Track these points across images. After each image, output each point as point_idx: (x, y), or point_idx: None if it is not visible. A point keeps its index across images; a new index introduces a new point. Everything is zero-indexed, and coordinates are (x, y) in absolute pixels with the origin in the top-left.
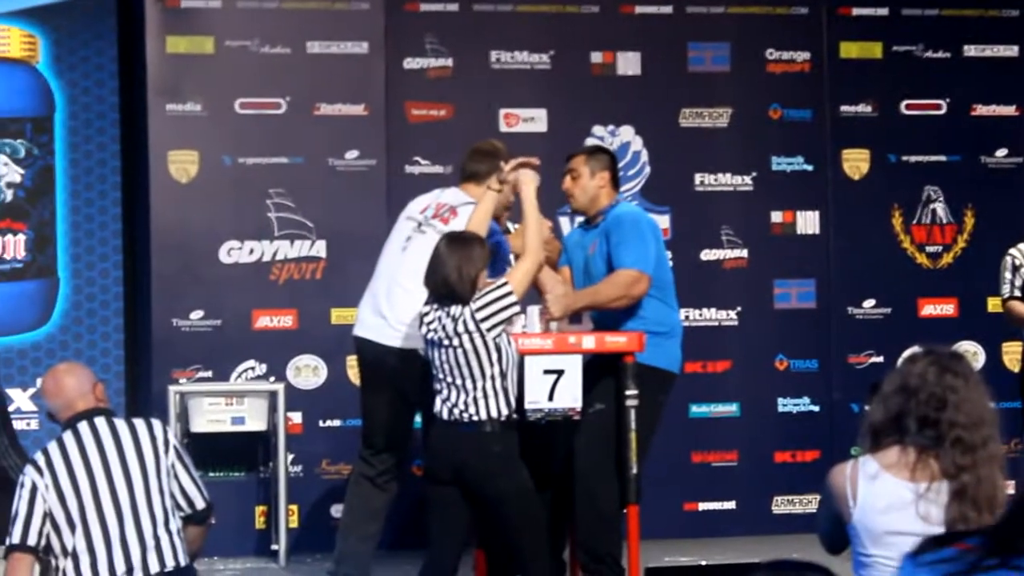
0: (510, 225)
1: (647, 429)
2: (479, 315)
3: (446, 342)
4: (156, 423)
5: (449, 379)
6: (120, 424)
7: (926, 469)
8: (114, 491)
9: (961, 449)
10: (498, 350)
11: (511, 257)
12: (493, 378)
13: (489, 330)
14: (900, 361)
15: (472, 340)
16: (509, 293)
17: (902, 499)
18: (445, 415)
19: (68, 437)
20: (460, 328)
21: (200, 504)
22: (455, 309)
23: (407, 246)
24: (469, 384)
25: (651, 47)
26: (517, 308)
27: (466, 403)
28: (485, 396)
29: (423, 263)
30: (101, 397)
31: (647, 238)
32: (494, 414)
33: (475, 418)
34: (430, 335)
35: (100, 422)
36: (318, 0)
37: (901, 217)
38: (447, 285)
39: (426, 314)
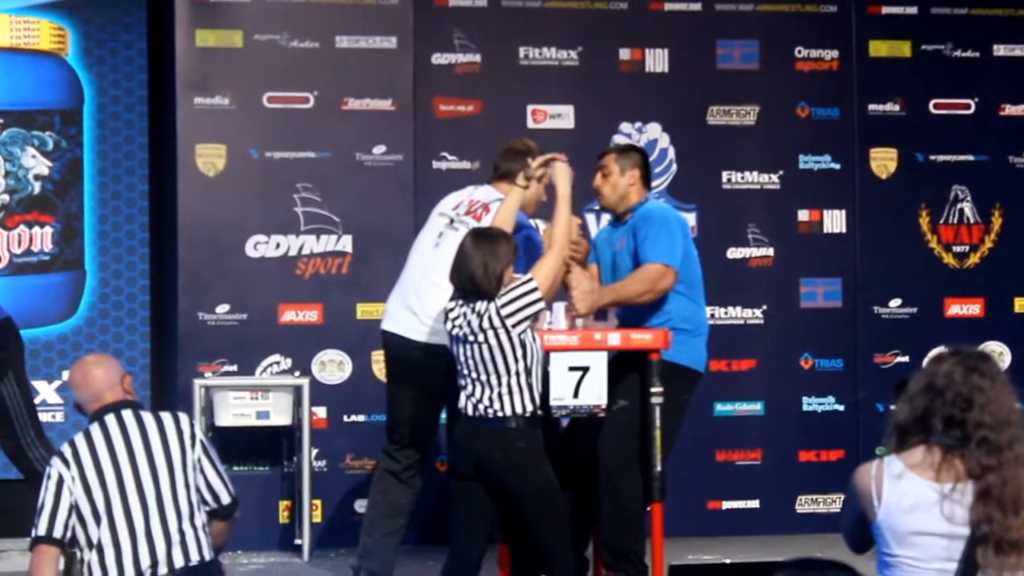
0: (540, 223)
1: (672, 427)
2: (504, 311)
3: (471, 338)
4: (183, 417)
5: (474, 375)
6: (147, 417)
7: (951, 469)
8: (140, 484)
9: (987, 449)
10: (523, 346)
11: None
12: (518, 374)
13: (514, 326)
14: (926, 360)
15: (497, 336)
16: (534, 289)
17: (927, 499)
18: (470, 411)
19: (95, 429)
20: (485, 324)
21: (226, 499)
22: (480, 305)
23: (439, 242)
24: (494, 380)
25: (679, 44)
26: (542, 304)
27: (491, 399)
28: (510, 392)
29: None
30: (129, 390)
31: (675, 233)
32: (519, 410)
33: (499, 414)
34: (455, 331)
35: (127, 415)
36: None
37: (928, 216)
38: (473, 281)
39: (451, 310)
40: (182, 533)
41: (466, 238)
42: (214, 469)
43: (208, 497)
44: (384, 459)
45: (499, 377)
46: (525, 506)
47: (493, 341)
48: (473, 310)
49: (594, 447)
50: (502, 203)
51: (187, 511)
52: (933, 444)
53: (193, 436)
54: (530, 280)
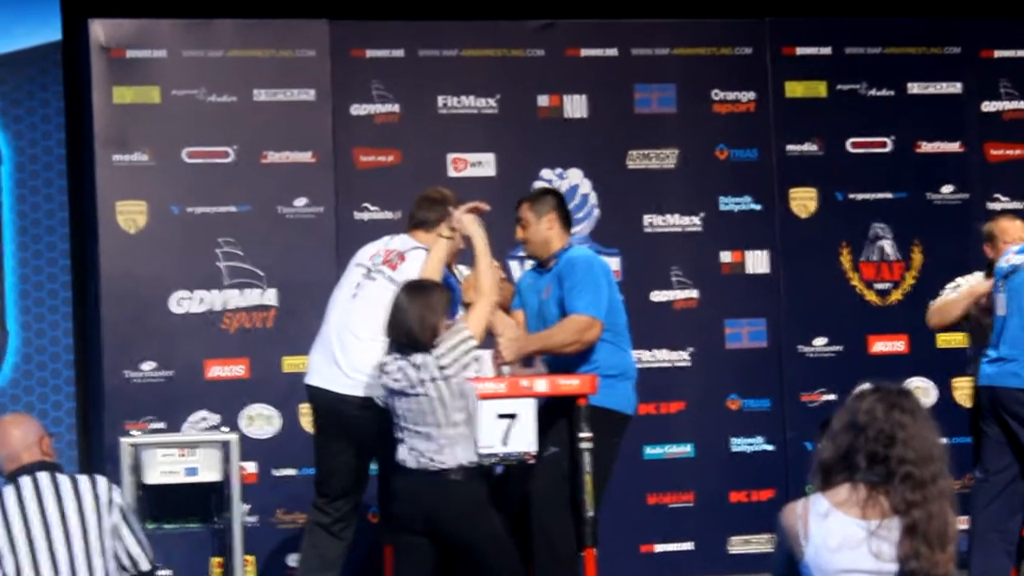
0: (463, 269)
1: (603, 471)
2: (442, 361)
3: (411, 391)
4: (101, 481)
5: (413, 427)
6: (63, 480)
7: (877, 506)
8: (52, 549)
9: (911, 485)
10: (463, 395)
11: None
12: (457, 424)
13: (453, 376)
14: (848, 398)
15: (438, 387)
16: (469, 337)
17: (854, 537)
18: (412, 463)
19: (8, 492)
20: (425, 375)
21: (145, 565)
22: (417, 358)
23: (357, 293)
24: (435, 432)
25: (597, 90)
26: (478, 352)
27: (433, 451)
28: (452, 443)
29: (374, 310)
30: (47, 451)
31: (600, 283)
32: (463, 460)
33: (444, 465)
34: (393, 384)
35: (43, 477)
36: (264, 48)
37: (850, 255)
38: (410, 335)
39: (386, 364)
40: None
41: (400, 292)
42: (132, 535)
43: (126, 563)
44: (314, 512)
45: (440, 428)
46: (476, 556)
47: (433, 393)
48: (411, 363)
49: (525, 494)
50: (429, 254)
51: None
52: (858, 481)
53: (110, 501)
54: (463, 329)
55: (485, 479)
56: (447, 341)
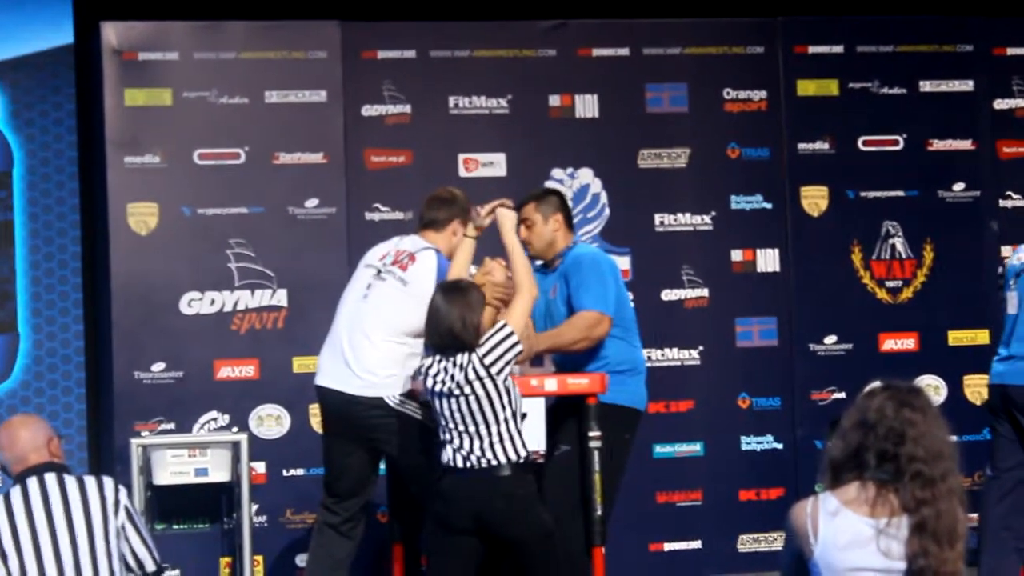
0: (472, 268)
1: (616, 468)
2: (487, 360)
3: (456, 391)
4: (108, 482)
5: (461, 427)
6: (70, 482)
7: (886, 504)
8: (58, 552)
9: (920, 483)
10: (508, 393)
11: None
12: (506, 421)
13: (498, 373)
14: (859, 396)
15: (484, 386)
16: (511, 334)
17: (863, 535)
18: (460, 463)
19: (15, 493)
20: (471, 376)
21: (151, 567)
22: (461, 358)
23: (368, 294)
24: (483, 430)
25: (609, 89)
26: (520, 347)
27: (482, 449)
28: (501, 440)
29: (384, 311)
30: (56, 452)
31: (607, 279)
32: (512, 457)
33: (492, 462)
34: (436, 387)
35: (50, 479)
36: (275, 50)
37: (860, 253)
38: (452, 335)
39: (429, 366)
40: None
41: (436, 295)
42: (139, 536)
43: (132, 564)
44: (323, 512)
45: (488, 427)
46: (529, 551)
47: (480, 392)
48: (454, 363)
49: None
50: (455, 256)
51: None
52: (867, 479)
53: (117, 502)
54: (504, 326)
55: (533, 474)
56: (490, 339)
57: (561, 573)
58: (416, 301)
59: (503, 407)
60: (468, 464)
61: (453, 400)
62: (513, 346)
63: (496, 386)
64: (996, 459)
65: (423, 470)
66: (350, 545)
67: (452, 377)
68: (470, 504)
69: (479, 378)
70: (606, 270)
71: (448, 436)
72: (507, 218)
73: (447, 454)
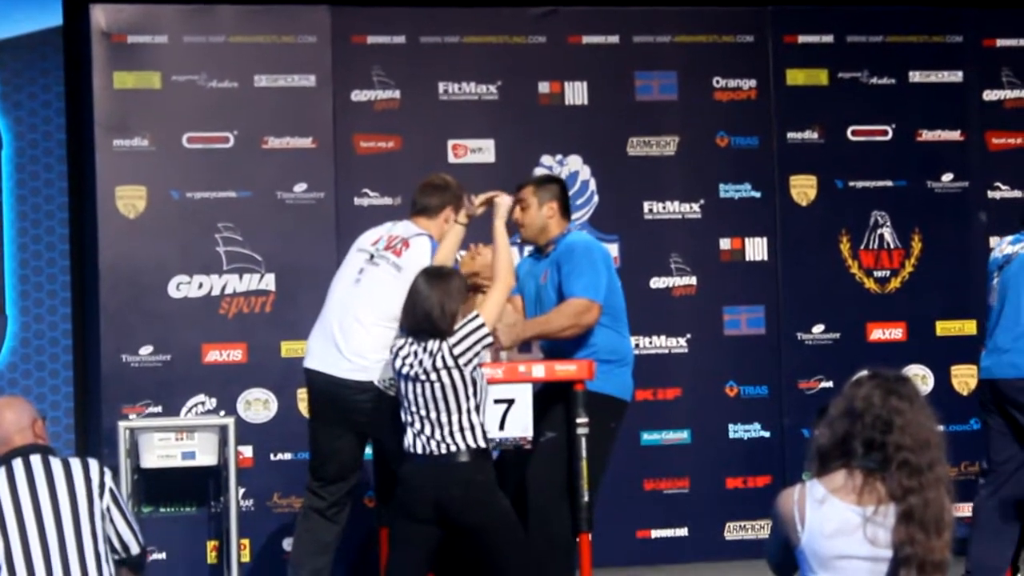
0: (461, 255)
1: (600, 457)
2: (456, 350)
3: (423, 377)
4: (93, 464)
5: (423, 412)
6: (56, 464)
7: (873, 492)
8: (43, 533)
9: (907, 472)
10: (474, 384)
11: None
12: (469, 411)
13: (466, 364)
14: (846, 385)
15: (451, 375)
16: (482, 325)
17: (850, 523)
18: (419, 449)
19: (1, 474)
20: (439, 363)
21: (135, 549)
22: (432, 344)
23: (360, 278)
24: (445, 418)
25: (598, 76)
26: (490, 339)
27: (443, 436)
28: (462, 429)
29: (377, 295)
30: (40, 434)
31: (598, 267)
32: (472, 445)
33: (452, 449)
34: (405, 369)
35: (35, 460)
36: (265, 34)
37: (849, 242)
38: (429, 320)
39: (400, 347)
40: None
41: (419, 278)
42: (123, 518)
43: (117, 546)
44: (309, 496)
45: (450, 415)
46: (489, 539)
47: (446, 380)
48: (425, 349)
49: (521, 480)
50: (443, 241)
51: (92, 562)
52: (854, 468)
53: (102, 484)
54: (477, 317)
55: (492, 462)
56: (462, 329)
57: (523, 560)
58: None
59: (467, 398)
60: (427, 450)
61: (419, 385)
62: (483, 338)
63: (463, 376)
64: (990, 452)
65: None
66: (336, 529)
67: (421, 362)
68: (428, 491)
69: (447, 367)
70: (598, 258)
71: (410, 420)
72: (501, 206)
73: (408, 438)
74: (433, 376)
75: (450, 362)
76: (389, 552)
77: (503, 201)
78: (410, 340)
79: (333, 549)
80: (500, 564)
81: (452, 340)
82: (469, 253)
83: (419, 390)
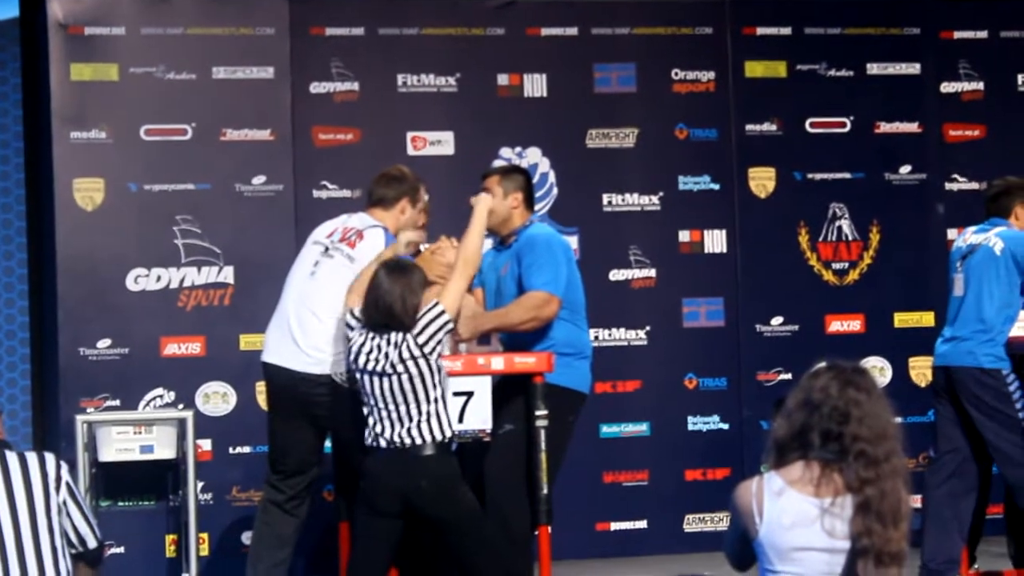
0: (422, 246)
1: (557, 449)
2: (420, 339)
3: (389, 370)
4: (49, 458)
5: (391, 407)
6: (11, 458)
7: (830, 484)
8: None
9: (864, 463)
10: (440, 371)
11: None
12: (436, 401)
13: (431, 352)
14: (803, 377)
15: (417, 365)
16: (443, 312)
17: (807, 514)
18: (384, 443)
19: None
20: (405, 354)
21: (92, 543)
22: (395, 336)
23: (315, 271)
24: (412, 410)
25: (557, 68)
26: (452, 325)
27: (407, 429)
28: (428, 419)
29: (332, 288)
30: None
31: (559, 260)
32: (438, 437)
33: (417, 442)
34: (369, 365)
35: None
36: (223, 26)
37: (807, 234)
38: (390, 314)
39: (361, 343)
40: None
41: (380, 271)
42: (80, 512)
43: (74, 540)
44: (268, 490)
45: (418, 406)
46: (454, 532)
47: (414, 370)
48: (388, 342)
49: (480, 472)
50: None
51: (49, 557)
52: (812, 459)
53: (58, 478)
54: (436, 304)
55: (455, 454)
56: (423, 318)
57: (490, 552)
58: None
59: (434, 386)
60: (393, 445)
61: (385, 379)
62: (444, 325)
63: (429, 365)
64: (939, 441)
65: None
66: (295, 523)
67: (387, 355)
68: (393, 484)
69: (412, 357)
70: (559, 252)
71: (374, 414)
72: (482, 200)
73: (372, 433)
74: (400, 368)
75: (416, 352)
76: (352, 546)
77: (485, 196)
78: (371, 335)
79: (293, 543)
80: (465, 557)
81: (415, 330)
82: (431, 247)
83: (384, 384)
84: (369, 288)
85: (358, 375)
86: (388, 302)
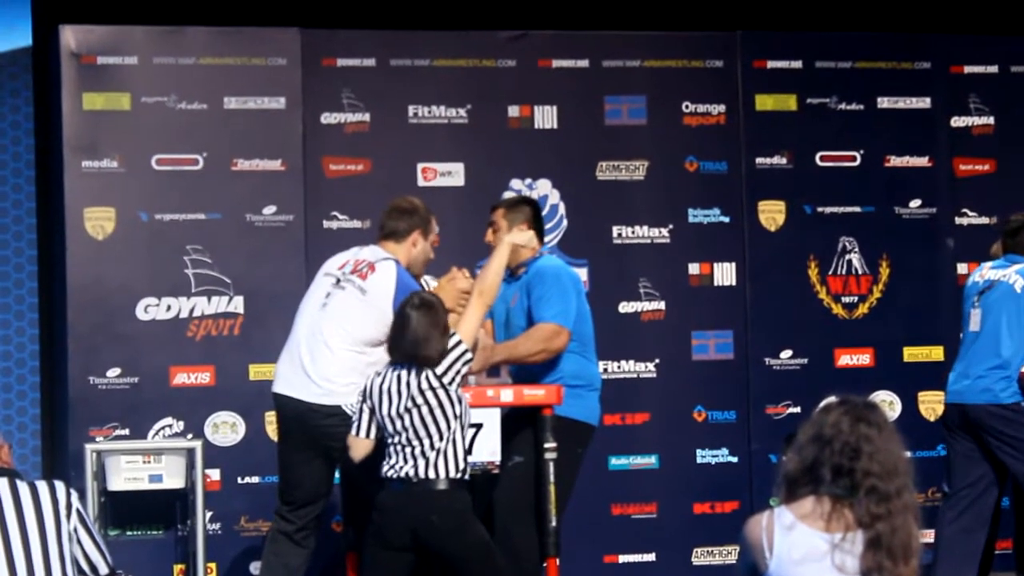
0: (430, 280)
1: (566, 481)
2: (439, 369)
3: (409, 405)
4: (60, 486)
5: (407, 440)
6: (22, 487)
7: (841, 519)
8: (11, 556)
9: (875, 498)
10: (460, 402)
11: None
12: (454, 433)
13: (450, 383)
14: (815, 411)
15: (437, 396)
16: (460, 343)
17: (818, 549)
18: (397, 475)
19: None
20: (424, 386)
21: (103, 570)
22: (416, 371)
23: (327, 302)
24: (428, 443)
25: (568, 100)
26: (470, 356)
27: (424, 464)
28: (444, 454)
29: (343, 319)
30: (6, 459)
31: (568, 292)
32: (451, 472)
33: (432, 476)
34: (392, 399)
35: (2, 484)
36: (235, 56)
37: (817, 268)
38: (417, 351)
39: (382, 380)
40: None
41: (407, 307)
42: (91, 539)
43: (86, 568)
44: (277, 520)
45: (433, 440)
46: (465, 565)
47: (433, 402)
48: (409, 374)
49: (488, 504)
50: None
51: None
52: (822, 494)
53: (69, 506)
54: (454, 334)
55: (468, 489)
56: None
57: None
58: (375, 311)
59: (455, 416)
60: (406, 477)
61: (407, 414)
62: (463, 355)
63: (448, 396)
64: (952, 477)
65: (376, 480)
66: (304, 554)
67: (408, 387)
68: (406, 518)
69: (432, 388)
70: (568, 284)
71: (391, 447)
72: (508, 235)
73: (386, 465)
74: (420, 400)
75: (435, 383)
76: None
77: (516, 235)
78: (391, 370)
79: (301, 573)
80: None
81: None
82: (445, 278)
83: (407, 420)
84: (395, 324)
85: (378, 411)
86: (415, 338)
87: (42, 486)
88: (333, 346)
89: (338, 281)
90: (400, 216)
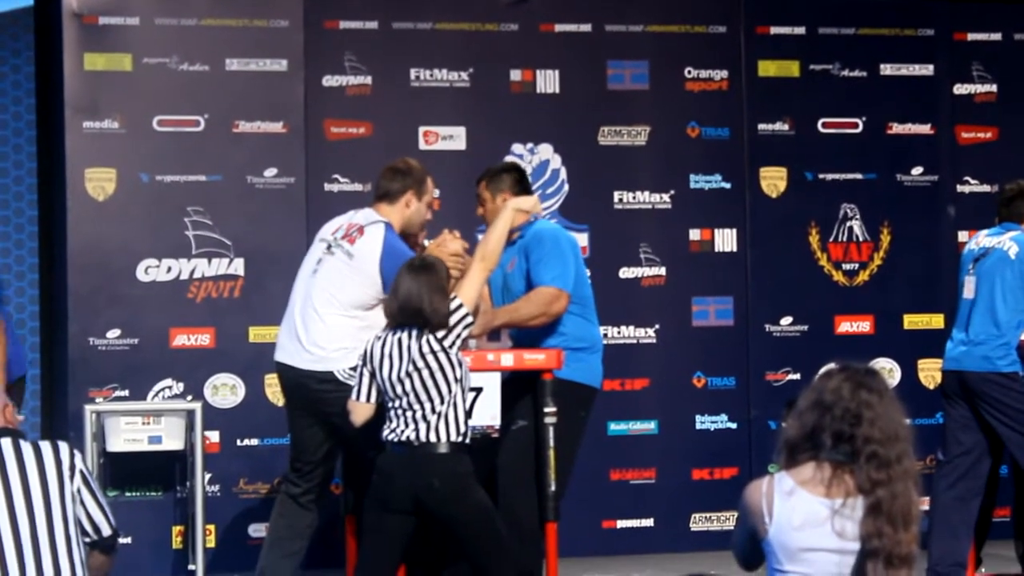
0: (426, 242)
1: (570, 445)
2: (439, 333)
3: (410, 368)
4: (63, 446)
5: (407, 403)
6: (26, 447)
7: (841, 485)
8: (14, 516)
9: (876, 464)
10: (461, 365)
11: None
12: (454, 396)
13: (451, 346)
14: (816, 377)
15: (437, 359)
16: (461, 306)
17: (818, 515)
18: (398, 439)
19: None
20: (425, 350)
21: (106, 531)
22: (416, 333)
23: (318, 268)
24: (429, 407)
25: (570, 65)
26: (471, 320)
27: (425, 428)
28: (444, 418)
29: (332, 285)
30: (9, 419)
31: (566, 255)
32: (453, 436)
33: (432, 439)
34: (393, 362)
35: (5, 443)
36: (237, 17)
37: (818, 235)
38: (419, 315)
39: (383, 343)
40: (58, 568)
41: (405, 273)
42: (94, 500)
43: (88, 528)
44: (285, 483)
45: (434, 403)
46: (467, 529)
47: (434, 365)
48: (411, 339)
49: (489, 468)
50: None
51: (64, 545)
52: (823, 460)
53: (72, 466)
54: (455, 298)
55: (468, 452)
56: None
57: (500, 550)
58: (361, 275)
59: (456, 380)
60: (407, 441)
61: (405, 377)
62: (463, 319)
63: (449, 359)
64: (948, 444)
65: (375, 443)
66: (309, 516)
67: (409, 351)
68: (407, 482)
69: (432, 351)
70: (566, 247)
71: (393, 413)
72: (512, 201)
73: (387, 429)
74: (420, 363)
75: (436, 346)
76: (361, 542)
77: (519, 201)
78: (391, 333)
79: (307, 536)
80: (475, 555)
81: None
82: (434, 242)
83: (408, 383)
84: (393, 288)
85: (378, 374)
86: (416, 304)
87: (45, 446)
88: (323, 313)
89: (329, 247)
90: (393, 177)
